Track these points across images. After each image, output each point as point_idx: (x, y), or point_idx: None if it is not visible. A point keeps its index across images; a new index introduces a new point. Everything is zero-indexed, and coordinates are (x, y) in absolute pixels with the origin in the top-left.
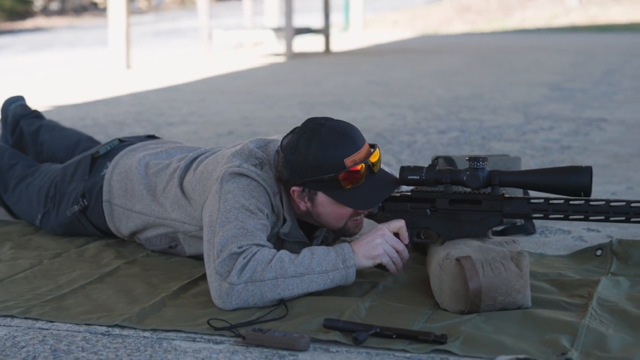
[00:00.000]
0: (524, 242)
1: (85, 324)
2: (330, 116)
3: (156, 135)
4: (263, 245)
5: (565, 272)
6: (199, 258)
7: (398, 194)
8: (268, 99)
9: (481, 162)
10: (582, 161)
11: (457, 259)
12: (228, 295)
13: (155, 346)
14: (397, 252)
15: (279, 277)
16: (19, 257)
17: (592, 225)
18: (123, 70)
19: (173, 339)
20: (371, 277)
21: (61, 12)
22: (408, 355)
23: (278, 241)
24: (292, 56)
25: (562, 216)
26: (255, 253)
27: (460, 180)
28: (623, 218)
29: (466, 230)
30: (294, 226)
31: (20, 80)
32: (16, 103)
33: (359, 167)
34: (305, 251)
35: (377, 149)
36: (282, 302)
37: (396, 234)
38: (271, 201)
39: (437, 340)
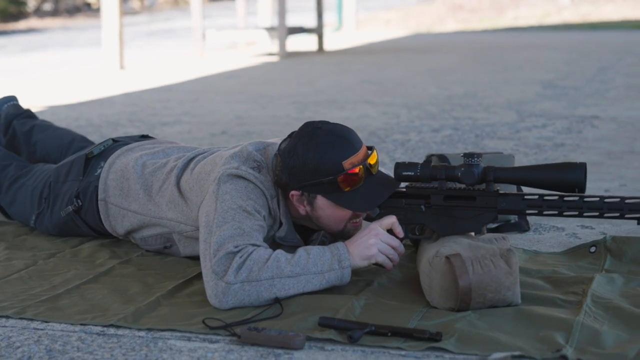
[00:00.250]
0: (518, 240)
1: (81, 324)
2: (324, 115)
3: (150, 135)
4: (259, 245)
5: (560, 269)
6: (194, 258)
7: None
8: (262, 98)
9: (476, 159)
10: (575, 158)
11: (447, 257)
12: (224, 294)
13: (151, 345)
14: (393, 248)
15: (275, 277)
16: (13, 258)
17: (586, 222)
18: (116, 70)
19: (168, 339)
20: (366, 275)
21: (54, 12)
22: (403, 353)
23: (274, 245)
24: (286, 56)
25: (556, 212)
26: (252, 253)
27: (455, 176)
28: (617, 214)
29: (461, 226)
30: (290, 230)
31: (14, 81)
32: (9, 103)
33: (357, 169)
34: (301, 251)
35: (375, 150)
36: (277, 301)
37: (390, 231)
38: (268, 204)
39: (432, 338)
